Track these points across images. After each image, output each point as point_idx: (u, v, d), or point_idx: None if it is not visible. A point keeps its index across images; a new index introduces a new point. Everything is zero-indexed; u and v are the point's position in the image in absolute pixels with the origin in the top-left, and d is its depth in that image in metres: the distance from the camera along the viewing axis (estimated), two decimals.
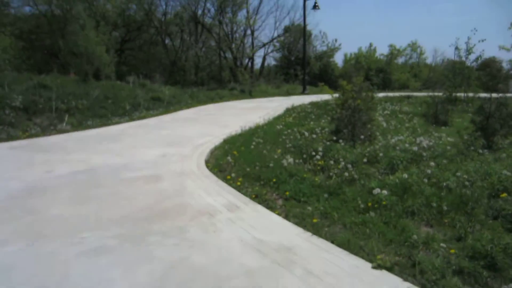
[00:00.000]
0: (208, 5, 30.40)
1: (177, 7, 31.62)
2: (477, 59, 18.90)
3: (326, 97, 20.71)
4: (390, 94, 21.01)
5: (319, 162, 6.42)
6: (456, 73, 19.48)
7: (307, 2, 23.94)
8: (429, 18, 69.98)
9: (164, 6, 32.03)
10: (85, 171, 6.38)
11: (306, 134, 8.28)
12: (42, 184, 5.62)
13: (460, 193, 4.95)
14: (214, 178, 6.03)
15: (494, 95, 8.77)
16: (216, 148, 8.22)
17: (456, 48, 19.15)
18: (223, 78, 29.12)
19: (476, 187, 5.16)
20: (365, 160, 6.41)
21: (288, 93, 24.52)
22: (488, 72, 21.30)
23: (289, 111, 14.27)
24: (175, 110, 15.58)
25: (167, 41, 33.33)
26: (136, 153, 7.77)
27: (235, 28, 29.61)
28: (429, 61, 31.20)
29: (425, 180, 5.31)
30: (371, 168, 6.24)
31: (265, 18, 30.08)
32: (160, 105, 17.04)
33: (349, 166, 5.98)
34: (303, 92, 24.54)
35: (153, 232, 3.99)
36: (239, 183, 5.66)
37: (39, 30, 28.69)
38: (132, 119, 13.12)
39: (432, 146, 7.53)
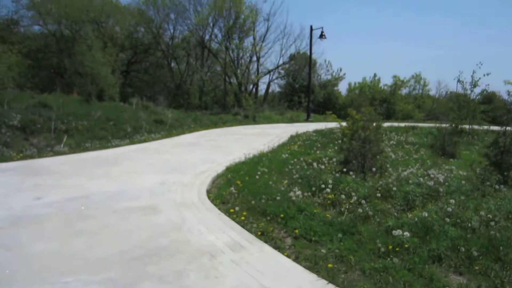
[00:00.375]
0: (215, 30, 30.57)
1: (184, 31, 31.84)
2: (482, 92, 18.69)
3: (330, 125, 20.36)
4: (395, 124, 20.64)
5: (329, 196, 5.93)
6: (461, 106, 19.21)
7: (313, 32, 23.93)
8: (431, 51, 70.72)
9: (172, 30, 32.24)
10: (78, 199, 5.89)
11: (315, 164, 7.79)
12: (28, 213, 5.12)
13: (487, 235, 4.45)
14: (216, 211, 5.53)
15: (509, 128, 8.34)
16: (219, 177, 7.75)
17: (459, 81, 18.91)
18: (227, 103, 28.91)
19: (501, 227, 4.68)
20: (378, 194, 5.92)
21: (292, 120, 24.19)
22: (496, 106, 21.05)
23: (293, 138, 13.85)
24: (178, 134, 15.19)
25: (173, 64, 33.40)
26: (134, 180, 7.30)
27: (241, 54, 29.64)
28: (432, 92, 31.14)
29: (447, 220, 4.80)
30: (385, 203, 5.74)
31: (272, 45, 30.16)
32: (162, 128, 16.67)
33: (363, 201, 5.49)
34: (307, 120, 24.22)
35: (147, 276, 3.47)
36: (243, 218, 5.16)
37: (47, 49, 28.76)
38: (133, 142, 12.71)
39: (446, 180, 7.07)
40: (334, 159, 8.53)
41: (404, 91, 29.55)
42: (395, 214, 5.25)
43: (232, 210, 5.44)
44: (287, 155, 9.45)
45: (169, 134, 14.95)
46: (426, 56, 68.45)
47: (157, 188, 6.69)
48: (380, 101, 28.08)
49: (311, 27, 23.91)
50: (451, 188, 6.49)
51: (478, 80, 18.39)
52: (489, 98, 26.54)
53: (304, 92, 31.55)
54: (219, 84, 33.68)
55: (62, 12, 26.18)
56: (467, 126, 18.26)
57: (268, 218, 5.13)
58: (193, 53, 32.28)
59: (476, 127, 17.85)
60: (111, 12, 29.76)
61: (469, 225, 4.74)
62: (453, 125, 16.09)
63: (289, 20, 65.68)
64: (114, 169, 8.18)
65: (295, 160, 8.75)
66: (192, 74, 32.01)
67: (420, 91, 28.03)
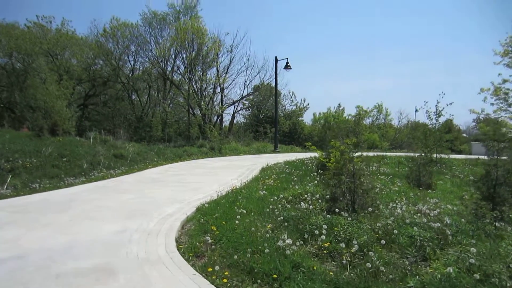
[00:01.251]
0: (177, 62, 29.69)
1: (145, 63, 30.74)
2: (446, 121, 18.79)
3: (300, 155, 19.65)
4: (364, 153, 20.22)
5: (325, 244, 4.93)
6: (427, 135, 19.16)
7: (279, 62, 23.61)
8: (391, 82, 73.37)
9: (132, 62, 31.07)
10: (9, 260, 4.53)
11: (302, 204, 6.79)
12: None
13: None
14: (189, 270, 4.35)
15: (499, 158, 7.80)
16: (189, 220, 6.57)
17: (427, 111, 18.96)
18: (192, 134, 27.72)
19: None
20: (382, 241, 4.98)
21: (259, 151, 23.34)
22: (457, 135, 21.27)
23: (266, 171, 12.89)
24: (140, 169, 13.82)
25: (133, 96, 32.03)
26: (86, 229, 5.97)
27: (204, 86, 28.79)
28: (394, 122, 31.60)
29: (476, 276, 3.91)
30: (391, 252, 4.82)
31: (236, 76, 29.51)
32: (123, 163, 15.23)
33: (368, 252, 4.53)
34: (274, 150, 23.45)
35: None
36: (225, 280, 4.03)
37: None
38: (89, 180, 11.24)
39: (438, 217, 6.32)
40: (317, 195, 7.59)
41: (367, 121, 29.75)
42: (409, 268, 4.32)
43: (210, 269, 4.28)
44: (263, 191, 8.41)
45: (130, 170, 13.56)
46: (387, 87, 70.92)
47: (115, 239, 5.42)
48: (346, 130, 27.96)
49: (275, 58, 23.61)
50: (453, 228, 5.70)
51: (442, 110, 18.48)
52: (448, 127, 27.09)
53: (269, 122, 30.99)
54: (182, 116, 32.49)
55: (13, 44, 24.45)
56: (434, 155, 18.13)
57: (258, 280, 4.02)
58: (154, 85, 31.14)
59: (443, 156, 17.73)
60: (67, 44, 28.28)
61: (503, 282, 3.86)
62: (424, 155, 15.79)
63: (253, 52, 65.96)
64: (64, 215, 6.79)
65: (274, 197, 7.74)
66: (154, 106, 30.73)
67: (383, 121, 28.27)
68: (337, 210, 6.28)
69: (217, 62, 28.69)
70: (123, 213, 7.01)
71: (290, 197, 7.82)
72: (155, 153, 18.78)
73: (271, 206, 6.90)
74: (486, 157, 8.03)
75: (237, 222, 5.90)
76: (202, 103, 28.06)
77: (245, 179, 11.21)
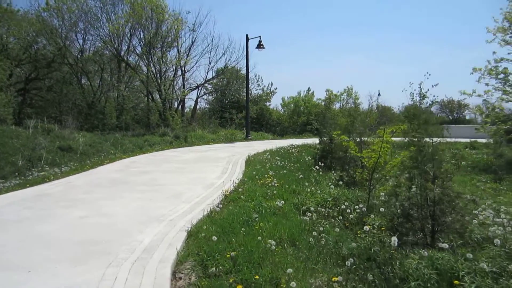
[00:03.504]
0: (134, 42, 25.96)
1: (97, 43, 26.66)
2: (433, 103, 17.24)
3: (277, 143, 17.27)
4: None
5: None
6: (410, 118, 17.55)
7: (250, 41, 20.86)
8: (364, 64, 71.83)
9: (81, 41, 26.86)
10: None
11: (365, 228, 4.29)
12: None
13: None
14: None
15: None
16: (182, 260, 3.92)
17: (411, 93, 17.33)
18: (152, 122, 24.41)
19: None
20: None
21: (228, 139, 20.67)
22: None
23: (252, 164, 10.35)
24: (93, 165, 10.73)
25: (83, 80, 27.86)
26: None
27: (164, 68, 25.38)
28: (363, 106, 30.18)
29: None
30: None
31: (199, 58, 26.32)
32: (71, 158, 12.04)
33: None
34: (246, 138, 20.90)
35: None
36: None
37: None
38: (23, 184, 8.11)
39: None
40: (362, 207, 5.17)
41: (337, 105, 27.99)
42: None
43: None
44: (282, 201, 5.79)
45: (81, 167, 10.46)
46: (358, 69, 69.53)
47: None
48: (316, 115, 25.97)
49: (246, 36, 20.85)
50: None
51: (426, 92, 16.86)
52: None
53: (235, 108, 28.26)
54: (139, 102, 28.85)
55: None
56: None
57: None
58: (107, 67, 27.17)
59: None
60: (2, 19, 23.63)
61: None
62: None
63: (217, 32, 61.07)
64: None
65: (299, 209, 5.27)
66: (108, 91, 26.84)
67: (352, 105, 26.72)
68: (403, 235, 3.91)
69: (178, 42, 25.38)
70: (68, 248, 4.20)
71: (319, 208, 5.39)
72: (111, 144, 15.57)
73: (303, 225, 4.41)
74: None
75: (269, 266, 3.34)
76: (162, 87, 24.74)
77: (233, 177, 8.62)
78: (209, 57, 26.42)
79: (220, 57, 26.42)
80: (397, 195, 4.43)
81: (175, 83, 26.63)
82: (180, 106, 27.34)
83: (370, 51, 76.38)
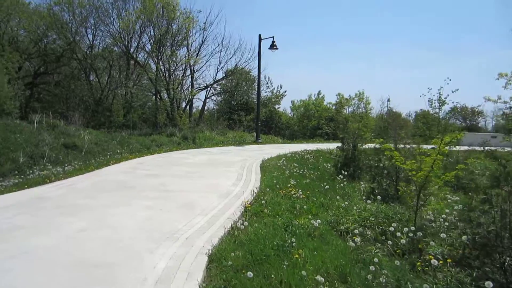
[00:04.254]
0: (144, 39, 25.23)
1: (106, 39, 25.96)
2: (453, 109, 16.33)
3: (290, 147, 16.43)
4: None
5: None
6: (429, 125, 16.69)
7: (262, 42, 20.04)
8: (372, 71, 70.91)
9: (91, 37, 26.17)
10: None
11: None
12: None
13: None
14: None
15: None
16: None
17: (429, 100, 16.39)
18: (159, 121, 23.62)
19: None
20: None
21: (237, 142, 19.85)
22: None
23: (268, 171, 9.51)
24: (99, 165, 9.92)
25: (92, 76, 27.18)
26: None
27: (174, 67, 24.61)
28: (375, 111, 29.27)
29: None
30: None
31: (209, 58, 25.50)
32: (75, 156, 11.27)
33: None
34: (256, 141, 20.05)
35: None
36: None
37: None
38: (21, 185, 7.31)
39: None
40: (411, 228, 4.30)
41: (348, 109, 27.10)
42: None
43: None
44: (317, 220, 4.91)
45: (85, 167, 9.65)
46: (368, 74, 68.64)
47: None
48: (326, 120, 25.12)
49: (259, 36, 20.03)
50: None
51: (446, 98, 15.96)
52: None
53: (243, 110, 27.48)
54: (147, 100, 28.08)
55: None
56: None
57: None
58: (116, 64, 26.47)
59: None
60: (13, 11, 22.99)
61: None
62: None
63: (228, 32, 59.81)
64: None
65: (334, 227, 4.42)
66: (115, 88, 26.13)
67: (363, 110, 25.86)
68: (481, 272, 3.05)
69: (188, 41, 24.62)
70: (62, 276, 3.36)
71: (359, 228, 4.53)
72: (117, 142, 14.79)
73: (354, 256, 3.55)
74: None
75: None
76: (171, 86, 23.97)
77: (250, 184, 7.79)
78: (219, 57, 25.71)
79: (230, 58, 25.67)
80: (471, 220, 3.56)
81: (183, 82, 25.90)
82: (188, 106, 26.56)
83: (379, 57, 75.51)
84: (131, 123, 22.93)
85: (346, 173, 8.70)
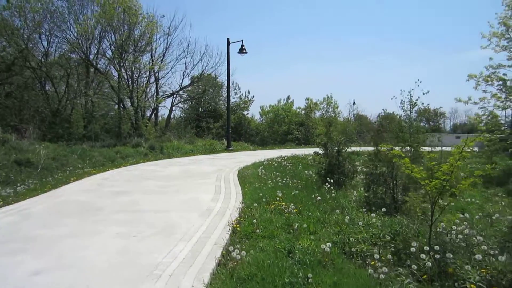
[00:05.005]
0: (104, 45, 23.77)
1: (63, 46, 24.24)
2: (424, 111, 16.30)
3: (264, 154, 15.76)
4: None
5: None
6: (402, 128, 16.53)
7: (230, 46, 19.29)
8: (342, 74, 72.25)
9: (45, 44, 24.34)
10: None
11: None
12: None
13: None
14: None
15: None
16: None
17: (401, 101, 16.29)
18: (123, 131, 22.24)
19: None
20: None
21: (208, 150, 18.93)
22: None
23: (248, 181, 8.75)
24: (57, 183, 8.75)
25: (48, 86, 25.27)
26: None
27: (137, 74, 23.34)
28: (343, 114, 29.19)
29: None
30: None
31: (174, 64, 24.48)
32: (30, 174, 9.97)
33: None
34: (227, 148, 19.24)
35: None
36: None
37: None
38: None
39: None
40: (436, 248, 3.69)
41: (317, 114, 26.88)
42: None
43: None
44: (328, 244, 4.14)
45: (41, 186, 8.47)
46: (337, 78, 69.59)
47: None
48: (296, 124, 24.70)
49: (227, 40, 19.28)
50: None
51: (417, 100, 15.91)
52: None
53: (211, 117, 26.56)
54: (109, 110, 26.49)
55: None
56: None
57: None
58: (74, 72, 24.77)
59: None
60: None
61: None
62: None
63: (193, 37, 58.37)
64: None
65: (342, 248, 3.72)
66: (74, 98, 24.41)
67: (332, 114, 25.68)
68: None
69: (152, 47, 23.47)
70: None
71: (372, 248, 3.87)
72: (78, 156, 13.46)
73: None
74: None
75: None
76: (135, 94, 22.68)
77: (232, 199, 7.01)
78: (185, 63, 24.78)
79: (197, 63, 24.80)
80: None
81: (148, 90, 24.63)
82: (153, 115, 25.31)
83: (347, 61, 77.27)
84: (92, 135, 21.38)
85: (332, 180, 8.11)
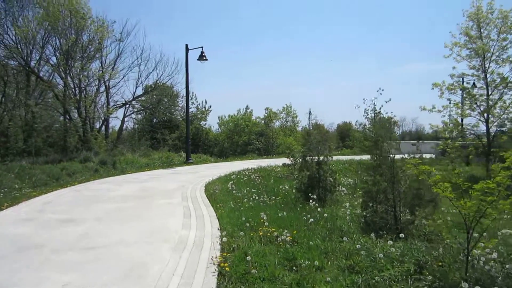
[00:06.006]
0: (47, 51, 21.50)
1: None
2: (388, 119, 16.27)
3: (228, 167, 14.67)
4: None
5: None
6: (367, 137, 16.31)
7: (189, 52, 18.05)
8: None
9: None
10: None
11: None
12: None
13: None
14: None
15: None
16: None
17: (365, 110, 16.14)
18: (69, 145, 20.08)
19: None
20: None
21: (166, 164, 17.48)
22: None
23: (218, 200, 7.66)
24: None
25: None
26: None
27: (85, 83, 21.31)
28: (302, 124, 28.83)
29: None
30: None
31: (126, 72, 22.70)
32: None
33: None
34: (187, 161, 17.89)
35: None
36: None
37: None
38: None
39: None
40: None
41: (276, 123, 26.22)
42: None
43: None
44: (329, 280, 3.28)
45: None
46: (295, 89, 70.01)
47: None
48: (256, 134, 23.87)
49: (186, 46, 18.05)
50: None
51: (381, 108, 15.79)
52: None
53: (167, 128, 25.01)
54: (53, 121, 24.00)
55: None
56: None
57: None
58: (13, 80, 22.17)
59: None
60: None
61: None
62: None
63: (147, 44, 55.61)
64: None
65: None
66: (13, 108, 21.78)
67: (291, 123, 25.16)
68: None
69: (102, 53, 21.62)
70: None
71: None
72: (15, 175, 11.55)
73: None
74: None
75: None
76: (83, 104, 20.66)
77: (206, 224, 5.91)
78: (139, 71, 23.00)
79: (151, 72, 23.15)
80: None
81: (97, 99, 22.60)
82: (103, 127, 23.27)
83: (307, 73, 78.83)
84: (33, 149, 19.03)
85: (315, 196, 7.26)
